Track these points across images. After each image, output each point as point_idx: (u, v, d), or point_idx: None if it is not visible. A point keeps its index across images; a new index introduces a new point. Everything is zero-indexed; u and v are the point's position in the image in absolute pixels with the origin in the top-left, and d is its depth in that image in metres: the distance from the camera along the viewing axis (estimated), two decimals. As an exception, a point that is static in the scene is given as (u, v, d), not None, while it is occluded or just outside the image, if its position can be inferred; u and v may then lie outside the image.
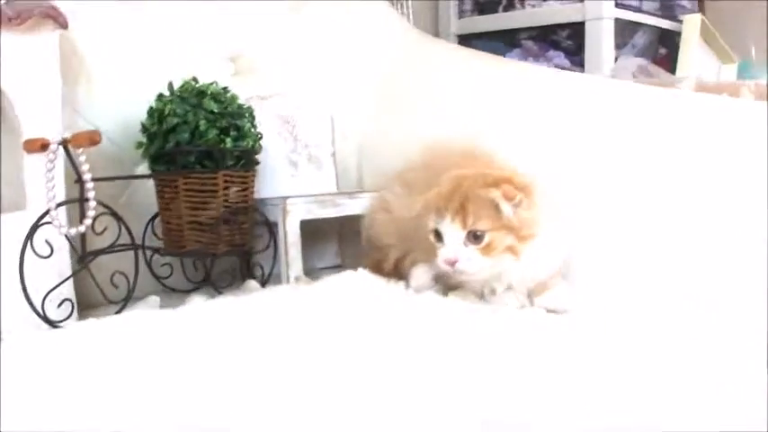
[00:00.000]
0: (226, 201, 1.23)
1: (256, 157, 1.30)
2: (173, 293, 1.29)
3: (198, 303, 1.13)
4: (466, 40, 2.28)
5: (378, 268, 1.22)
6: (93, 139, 1.06)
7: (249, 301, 1.11)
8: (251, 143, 1.26)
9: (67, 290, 1.15)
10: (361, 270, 1.19)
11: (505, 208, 1.06)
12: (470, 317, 1.04)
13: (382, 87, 1.64)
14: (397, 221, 1.24)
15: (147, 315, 1.07)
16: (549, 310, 1.11)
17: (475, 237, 1.07)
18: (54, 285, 1.11)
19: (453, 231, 1.07)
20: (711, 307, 1.03)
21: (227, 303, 1.10)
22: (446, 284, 1.15)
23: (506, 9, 2.19)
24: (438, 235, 1.09)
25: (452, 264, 1.07)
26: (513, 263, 1.08)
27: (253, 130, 1.27)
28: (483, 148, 1.25)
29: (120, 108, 1.33)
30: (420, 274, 1.16)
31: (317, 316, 1.02)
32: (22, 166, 1.14)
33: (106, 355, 0.87)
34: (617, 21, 2.01)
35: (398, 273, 1.21)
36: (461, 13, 2.29)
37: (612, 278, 1.19)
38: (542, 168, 1.22)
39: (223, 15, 1.53)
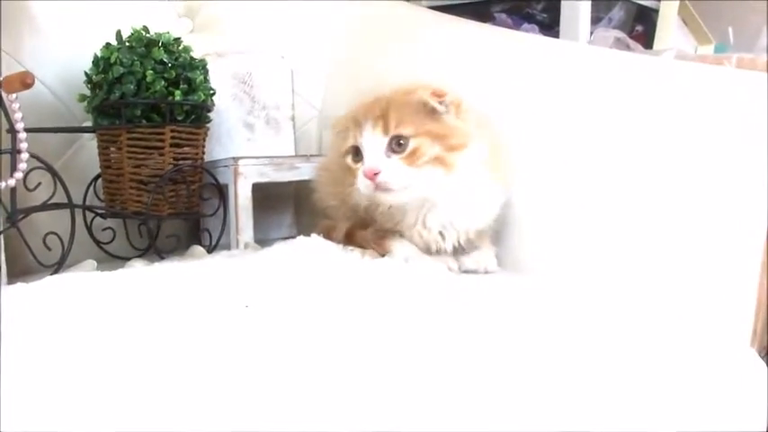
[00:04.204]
0: (173, 159, 1.14)
1: (209, 115, 1.21)
2: (114, 260, 1.19)
3: (135, 267, 1.04)
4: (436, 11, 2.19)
5: (329, 237, 1.11)
6: (24, 81, 0.95)
7: (191, 267, 1.01)
8: (203, 97, 1.16)
9: (-6, 251, 1.05)
10: (314, 236, 1.09)
11: (436, 104, 0.98)
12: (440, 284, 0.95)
13: (342, 48, 1.54)
14: (336, 181, 1.12)
15: (78, 278, 0.96)
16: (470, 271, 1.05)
17: (398, 144, 0.97)
18: (-20, 245, 1.02)
19: (374, 140, 0.98)
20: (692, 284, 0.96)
21: (167, 269, 1.01)
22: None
23: (479, -19, 2.11)
24: (357, 154, 1.00)
25: (374, 176, 0.96)
26: (445, 178, 0.99)
27: (205, 83, 1.18)
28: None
29: (66, 60, 1.23)
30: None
31: (262, 282, 0.93)
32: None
33: (30, 320, 0.78)
34: (594, -7, 1.92)
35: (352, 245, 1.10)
36: (433, -15, 2.20)
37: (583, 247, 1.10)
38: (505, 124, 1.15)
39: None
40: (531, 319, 0.81)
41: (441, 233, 1.04)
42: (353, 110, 1.04)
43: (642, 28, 2.15)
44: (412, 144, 0.97)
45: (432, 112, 0.99)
